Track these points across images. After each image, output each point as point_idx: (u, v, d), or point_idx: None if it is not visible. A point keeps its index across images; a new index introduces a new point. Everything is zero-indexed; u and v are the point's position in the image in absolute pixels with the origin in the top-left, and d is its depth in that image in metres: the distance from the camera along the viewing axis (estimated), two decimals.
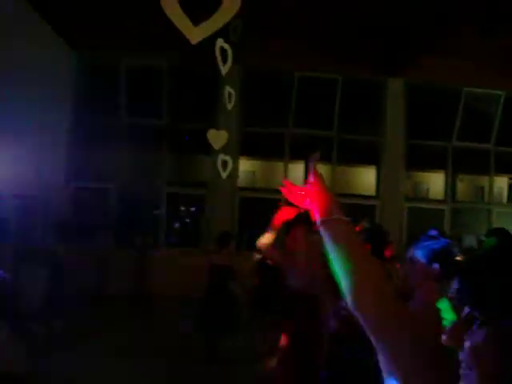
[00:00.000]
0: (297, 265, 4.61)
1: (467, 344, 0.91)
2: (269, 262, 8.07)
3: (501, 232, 5.72)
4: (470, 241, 13.31)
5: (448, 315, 0.97)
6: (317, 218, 1.47)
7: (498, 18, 9.51)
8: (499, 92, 14.09)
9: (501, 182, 17.12)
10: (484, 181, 15.88)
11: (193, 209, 14.74)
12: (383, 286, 1.36)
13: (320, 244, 1.43)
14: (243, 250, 10.56)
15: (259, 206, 11.56)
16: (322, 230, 1.44)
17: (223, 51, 6.31)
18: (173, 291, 11.06)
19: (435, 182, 17.28)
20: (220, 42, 6.17)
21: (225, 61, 6.38)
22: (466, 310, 0.94)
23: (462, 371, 0.92)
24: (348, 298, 1.34)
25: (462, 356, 0.92)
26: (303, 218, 4.27)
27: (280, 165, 14.24)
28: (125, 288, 11.60)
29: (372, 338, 1.31)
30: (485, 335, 0.88)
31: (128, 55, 12.87)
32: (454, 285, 1.93)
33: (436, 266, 2.54)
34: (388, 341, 1.27)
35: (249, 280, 8.05)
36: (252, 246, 10.55)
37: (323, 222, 1.44)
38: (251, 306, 8.04)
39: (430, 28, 10.83)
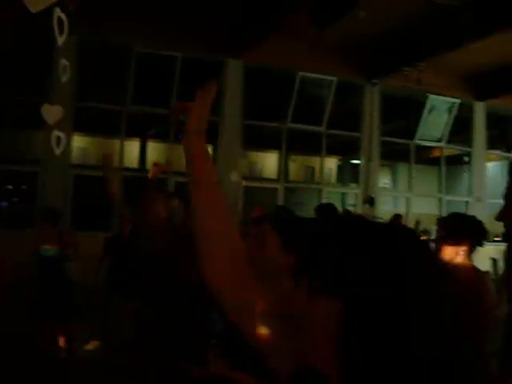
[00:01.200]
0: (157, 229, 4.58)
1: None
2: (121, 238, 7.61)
3: (327, 207, 6.07)
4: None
5: None
6: (188, 172, 1.39)
7: (332, 6, 9.89)
8: (331, 77, 14.72)
9: (330, 163, 18.03)
10: (315, 162, 16.64)
11: (24, 187, 13.94)
12: (237, 254, 1.31)
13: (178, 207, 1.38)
14: (78, 230, 10.09)
15: (93, 183, 11.15)
16: (191, 189, 1.37)
17: (60, 21, 5.98)
18: (2, 276, 10.32)
19: (269, 162, 17.83)
20: (57, 12, 5.83)
21: (61, 31, 6.05)
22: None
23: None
24: (201, 262, 1.30)
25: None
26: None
27: (115, 142, 13.87)
28: None
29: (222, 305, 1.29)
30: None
31: None
32: None
33: None
34: (238, 309, 1.26)
35: (96, 261, 7.57)
36: (87, 225, 10.18)
37: (193, 182, 1.37)
38: (107, 289, 7.41)
39: (268, 13, 11.07)
